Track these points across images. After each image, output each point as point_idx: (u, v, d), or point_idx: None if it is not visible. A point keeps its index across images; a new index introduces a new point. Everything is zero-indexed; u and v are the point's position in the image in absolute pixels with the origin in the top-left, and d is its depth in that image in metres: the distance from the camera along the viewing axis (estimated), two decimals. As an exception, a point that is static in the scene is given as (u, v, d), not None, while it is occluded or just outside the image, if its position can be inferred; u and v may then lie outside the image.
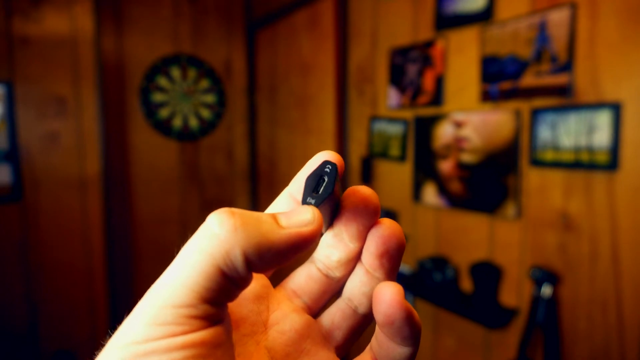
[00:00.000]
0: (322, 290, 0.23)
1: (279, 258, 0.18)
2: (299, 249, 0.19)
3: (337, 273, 0.23)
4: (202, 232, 0.17)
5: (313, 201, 0.19)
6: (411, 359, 0.21)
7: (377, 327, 0.22)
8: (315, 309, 0.24)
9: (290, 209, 0.20)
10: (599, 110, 1.06)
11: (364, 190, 0.22)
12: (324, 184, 0.20)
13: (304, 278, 0.24)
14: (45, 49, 2.04)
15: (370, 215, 0.22)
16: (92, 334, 2.19)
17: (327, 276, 0.23)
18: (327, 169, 0.20)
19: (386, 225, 0.22)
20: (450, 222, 1.48)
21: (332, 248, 0.23)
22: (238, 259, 0.17)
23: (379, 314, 0.20)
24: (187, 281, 0.17)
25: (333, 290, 0.24)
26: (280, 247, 0.18)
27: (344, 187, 0.22)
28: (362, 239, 0.22)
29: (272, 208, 0.23)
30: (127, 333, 0.17)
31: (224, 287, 0.17)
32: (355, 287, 0.23)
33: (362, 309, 0.23)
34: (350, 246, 0.22)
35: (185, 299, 0.17)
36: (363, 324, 0.23)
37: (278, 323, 0.22)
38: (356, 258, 0.23)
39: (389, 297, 0.20)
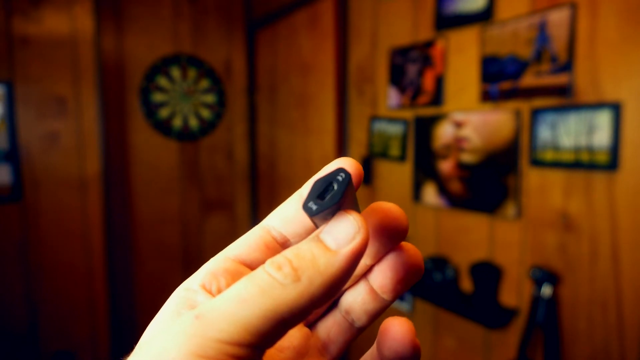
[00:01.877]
0: None
1: (341, 287, 0.17)
2: (355, 266, 0.17)
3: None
4: (261, 278, 0.16)
5: (315, 207, 0.17)
6: None
7: (375, 351, 0.21)
8: (312, 320, 0.23)
9: (327, 224, 0.18)
10: (599, 110, 1.06)
11: (393, 210, 0.20)
12: (332, 192, 0.18)
13: None
14: (45, 49, 2.04)
15: (396, 238, 0.20)
16: (92, 334, 2.19)
17: None
18: (340, 177, 0.18)
19: (410, 254, 0.21)
20: (450, 222, 1.48)
21: None
22: (304, 310, 0.16)
23: (390, 350, 0.20)
24: (244, 320, 0.16)
25: (332, 301, 0.23)
26: (342, 276, 0.17)
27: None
28: (377, 258, 0.21)
29: (282, 209, 0.21)
30: (165, 356, 0.15)
31: (278, 334, 0.16)
32: (357, 303, 0.22)
33: (359, 324, 0.22)
34: (361, 264, 0.21)
35: (236, 337, 0.15)
36: (357, 336, 0.23)
37: None
38: (363, 273, 0.22)
39: (400, 335, 0.19)
